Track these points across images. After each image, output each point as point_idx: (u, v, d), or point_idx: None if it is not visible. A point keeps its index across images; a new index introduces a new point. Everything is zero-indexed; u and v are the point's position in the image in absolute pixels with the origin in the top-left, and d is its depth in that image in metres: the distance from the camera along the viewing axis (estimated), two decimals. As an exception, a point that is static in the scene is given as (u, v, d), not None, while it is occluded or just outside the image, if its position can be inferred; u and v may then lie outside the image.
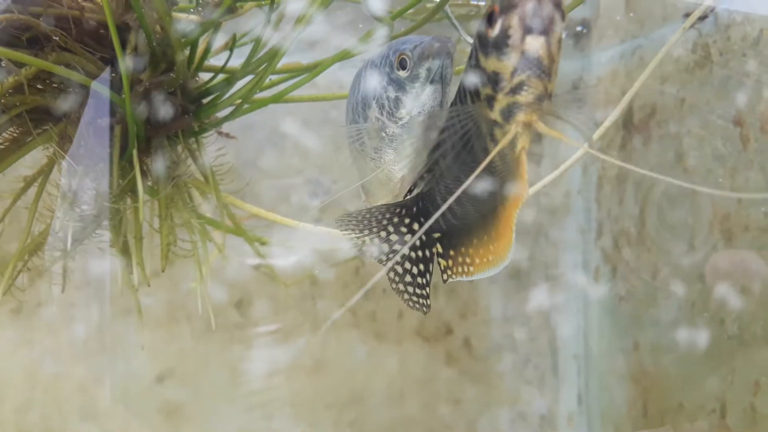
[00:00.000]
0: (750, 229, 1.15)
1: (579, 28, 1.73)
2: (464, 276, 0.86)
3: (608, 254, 1.68)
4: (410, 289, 0.90)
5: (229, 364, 1.87)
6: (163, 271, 1.06)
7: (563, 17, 0.66)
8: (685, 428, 1.27)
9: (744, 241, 1.17)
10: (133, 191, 1.01)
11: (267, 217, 1.16)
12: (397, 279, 0.87)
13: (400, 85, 0.83)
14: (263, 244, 1.17)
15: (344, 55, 1.06)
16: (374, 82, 0.88)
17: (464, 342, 1.91)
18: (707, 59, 1.25)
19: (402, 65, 0.83)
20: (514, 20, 0.65)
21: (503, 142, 0.72)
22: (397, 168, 0.91)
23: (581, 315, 1.85)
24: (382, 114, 0.87)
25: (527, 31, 0.65)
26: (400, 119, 0.86)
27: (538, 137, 2.01)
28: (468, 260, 0.83)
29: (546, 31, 0.65)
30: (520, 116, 0.69)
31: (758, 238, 1.13)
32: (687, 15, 1.27)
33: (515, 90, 0.67)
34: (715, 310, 1.25)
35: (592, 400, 1.79)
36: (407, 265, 0.89)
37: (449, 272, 0.85)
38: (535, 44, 0.65)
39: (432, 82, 0.83)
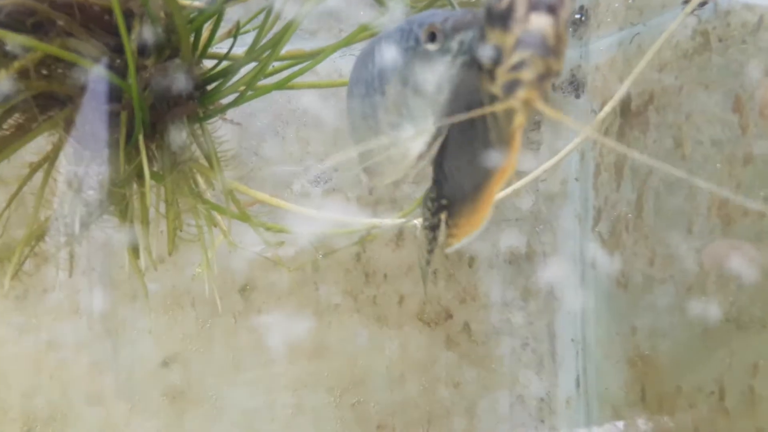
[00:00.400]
0: (749, 214, 1.17)
1: (577, 16, 1.74)
2: (450, 246, 0.87)
3: (605, 240, 1.70)
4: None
5: (233, 348, 1.90)
6: (170, 255, 1.08)
7: None
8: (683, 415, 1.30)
9: (742, 227, 1.18)
10: (140, 176, 1.02)
11: (271, 202, 1.17)
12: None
13: (428, 59, 0.81)
14: (268, 229, 1.18)
15: (346, 42, 1.07)
16: (394, 56, 0.86)
17: (464, 326, 1.93)
18: (706, 46, 1.26)
19: (431, 38, 0.81)
20: None
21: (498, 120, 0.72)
22: (416, 144, 0.89)
23: (579, 300, 1.87)
24: (405, 89, 0.85)
25: (533, 7, 0.63)
26: (427, 93, 0.84)
27: (536, 125, 2.02)
28: (454, 230, 0.84)
29: (553, 9, 0.63)
30: (520, 93, 0.68)
31: (757, 223, 1.15)
32: (686, 2, 1.28)
33: (516, 67, 0.66)
34: (712, 294, 1.27)
35: (590, 384, 1.82)
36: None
37: (447, 240, 0.87)
38: (540, 22, 0.63)
39: (463, 54, 0.79)
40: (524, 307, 1.92)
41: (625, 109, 1.57)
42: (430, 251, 0.93)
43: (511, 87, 0.67)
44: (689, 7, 1.17)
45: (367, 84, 0.88)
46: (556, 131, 1.90)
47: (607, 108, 1.25)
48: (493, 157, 0.74)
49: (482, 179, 0.78)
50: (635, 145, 1.53)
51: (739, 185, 1.19)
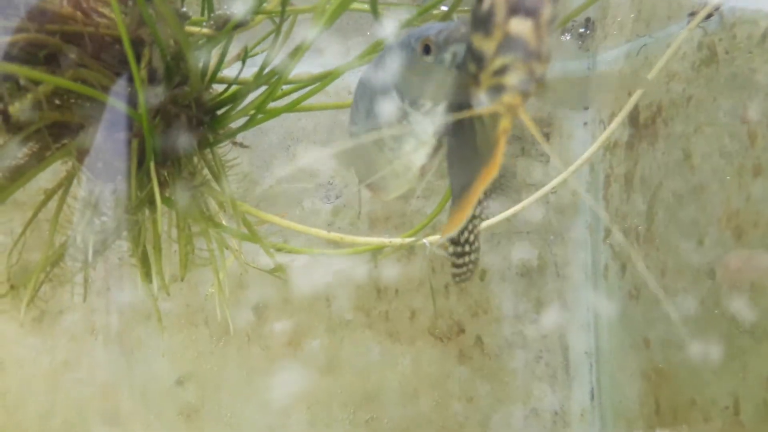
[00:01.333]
0: (759, 226, 1.16)
1: (582, 30, 1.74)
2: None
3: (617, 252, 1.69)
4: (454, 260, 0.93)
5: (247, 365, 1.91)
6: (182, 280, 1.09)
7: None
8: (700, 427, 1.29)
9: (754, 238, 1.18)
10: (152, 202, 1.03)
11: (281, 224, 1.18)
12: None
13: (425, 71, 0.81)
14: (279, 250, 1.19)
15: (353, 64, 1.08)
16: (394, 69, 0.87)
17: (476, 340, 1.93)
18: (713, 57, 1.26)
19: (426, 51, 0.81)
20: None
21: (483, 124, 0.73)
22: (418, 157, 0.89)
23: (591, 312, 1.86)
24: (404, 101, 0.86)
25: (512, 11, 0.62)
26: (424, 106, 0.85)
27: (546, 137, 2.02)
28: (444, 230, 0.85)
29: (533, 12, 0.62)
30: (504, 98, 0.67)
31: (767, 236, 1.14)
32: (692, 14, 1.28)
33: (499, 72, 0.65)
34: (725, 306, 1.26)
35: (604, 396, 1.81)
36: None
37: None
38: (519, 26, 0.62)
39: (458, 67, 0.79)
40: (537, 319, 1.92)
41: (633, 120, 1.57)
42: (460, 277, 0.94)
43: (495, 92, 0.67)
44: (694, 23, 1.17)
45: (370, 99, 0.90)
46: (566, 143, 1.90)
47: (614, 124, 1.25)
48: (481, 161, 0.75)
49: (470, 181, 0.78)
50: (644, 156, 1.53)
51: (749, 197, 1.18)
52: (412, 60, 0.81)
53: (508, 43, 0.63)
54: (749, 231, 1.18)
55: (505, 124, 0.67)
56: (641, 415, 1.56)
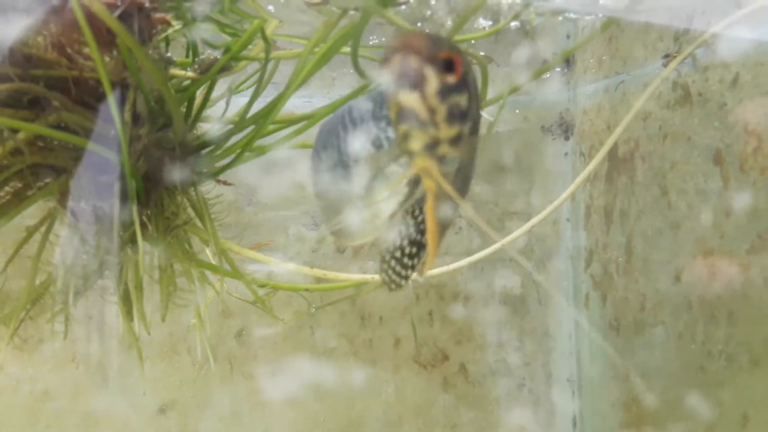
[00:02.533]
0: (732, 266, 1.19)
1: (557, 69, 1.78)
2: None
3: (598, 281, 1.72)
4: (394, 264, 0.93)
5: (230, 394, 1.90)
6: (163, 321, 1.09)
7: (442, 66, 0.68)
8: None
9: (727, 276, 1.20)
10: (134, 242, 1.04)
11: (264, 260, 1.19)
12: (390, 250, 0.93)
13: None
14: (262, 286, 1.20)
15: (338, 105, 1.10)
16: (367, 126, 0.90)
17: (460, 368, 1.94)
18: (687, 98, 1.30)
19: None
20: (388, 76, 0.67)
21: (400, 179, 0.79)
22: (388, 204, 0.92)
23: (574, 340, 1.88)
24: (378, 152, 0.89)
25: (398, 86, 0.67)
26: (395, 154, 0.87)
27: (529, 168, 2.04)
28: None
29: (416, 87, 0.66)
30: (415, 161, 0.72)
31: (740, 275, 1.17)
32: (666, 56, 1.32)
33: (403, 138, 0.70)
34: (701, 342, 1.29)
35: (587, 424, 1.82)
36: (405, 243, 0.94)
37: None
38: (407, 99, 0.67)
39: None
40: (520, 347, 1.93)
41: (612, 154, 1.60)
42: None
43: (408, 156, 0.72)
44: (671, 66, 1.20)
45: (337, 149, 0.92)
46: (547, 173, 1.93)
47: (595, 161, 1.28)
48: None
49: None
50: (624, 190, 1.56)
51: (723, 236, 1.21)
52: (386, 116, 0.84)
53: (401, 113, 0.69)
54: (723, 269, 1.21)
55: (427, 186, 0.73)
56: (622, 445, 1.57)
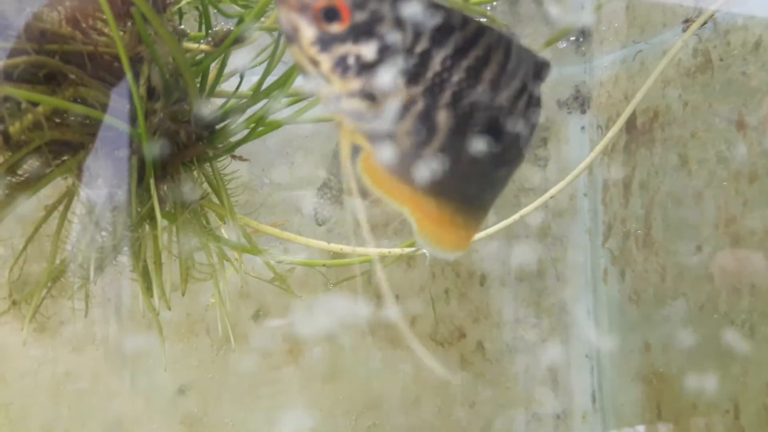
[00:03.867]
0: (756, 232, 1.17)
1: (572, 38, 1.75)
2: None
3: (616, 256, 1.70)
4: None
5: (248, 374, 1.91)
6: (183, 295, 1.09)
7: (320, 15, 0.66)
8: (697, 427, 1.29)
9: (750, 245, 1.18)
10: (152, 218, 1.04)
11: (281, 236, 1.19)
12: None
13: None
14: (279, 262, 1.20)
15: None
16: None
17: (477, 345, 1.93)
18: (708, 64, 1.27)
19: None
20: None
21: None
22: None
23: (592, 315, 1.87)
24: None
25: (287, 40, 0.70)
26: None
27: (543, 142, 2.02)
28: None
29: (292, 39, 0.67)
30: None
31: (764, 242, 1.15)
32: (686, 21, 1.29)
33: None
34: (724, 311, 1.27)
35: (606, 400, 1.82)
36: None
37: None
38: (292, 52, 0.69)
39: None
40: (537, 324, 1.92)
41: (630, 126, 1.58)
42: None
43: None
44: (691, 30, 1.18)
45: None
46: (562, 146, 1.91)
47: (613, 131, 1.26)
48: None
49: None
50: (642, 161, 1.54)
51: (746, 203, 1.19)
52: None
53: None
54: (746, 237, 1.19)
55: (342, 139, 0.72)
56: (643, 419, 1.56)
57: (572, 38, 1.74)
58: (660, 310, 1.49)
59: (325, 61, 0.67)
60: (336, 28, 0.66)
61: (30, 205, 1.16)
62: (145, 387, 1.90)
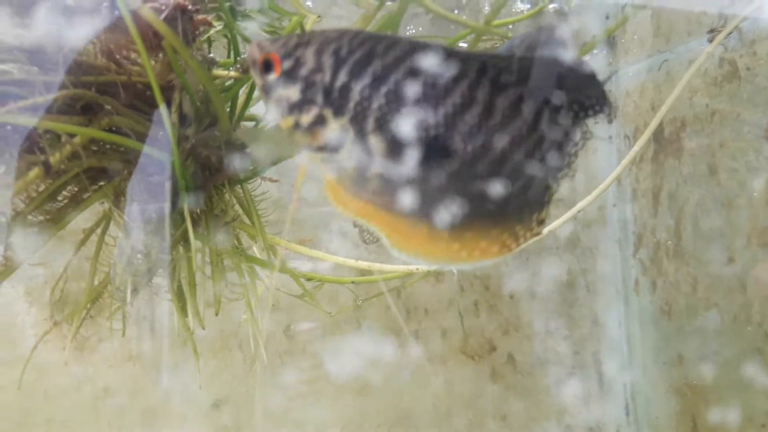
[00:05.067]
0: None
1: (594, 52, 1.75)
2: None
3: (647, 267, 1.68)
4: None
5: (280, 388, 1.94)
6: (216, 315, 1.12)
7: (262, 68, 0.78)
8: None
9: (783, 255, 1.17)
10: (186, 240, 1.07)
11: (311, 254, 1.21)
12: None
13: None
14: (309, 279, 1.22)
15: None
16: None
17: (508, 358, 1.93)
18: (735, 73, 1.26)
19: None
20: None
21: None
22: None
23: (624, 327, 1.85)
24: None
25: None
26: None
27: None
28: None
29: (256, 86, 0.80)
30: None
31: (797, 252, 1.13)
32: (711, 31, 1.28)
33: None
34: (758, 323, 1.25)
35: (640, 412, 1.79)
36: None
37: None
38: None
39: None
40: (569, 336, 1.91)
41: (658, 135, 1.56)
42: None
43: None
44: (717, 40, 1.17)
45: None
46: (589, 157, 1.90)
47: (640, 142, 1.26)
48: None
49: None
50: (671, 172, 1.52)
51: (779, 213, 1.17)
52: None
53: None
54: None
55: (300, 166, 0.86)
56: (678, 431, 1.54)
57: (595, 51, 1.74)
58: (693, 322, 1.47)
59: (271, 104, 0.79)
60: (272, 77, 0.78)
61: (68, 229, 1.21)
62: (181, 402, 1.94)
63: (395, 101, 0.77)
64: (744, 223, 1.26)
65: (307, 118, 0.78)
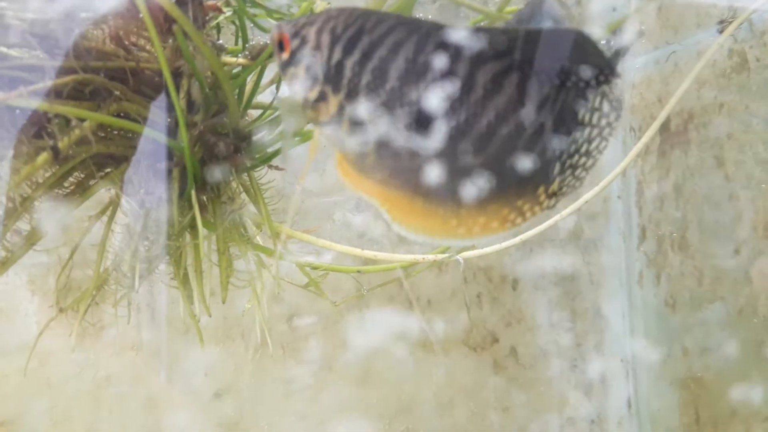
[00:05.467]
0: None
1: (602, 41, 1.74)
2: None
3: (651, 259, 1.68)
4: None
5: (283, 378, 1.94)
6: (223, 303, 1.12)
7: (278, 47, 0.82)
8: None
9: (790, 247, 1.17)
10: (193, 227, 1.07)
11: (317, 243, 1.21)
12: None
13: None
14: (314, 269, 1.22)
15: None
16: None
17: (511, 350, 1.93)
18: (744, 65, 1.25)
19: None
20: None
21: None
22: None
23: (627, 319, 1.85)
24: None
25: None
26: None
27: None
28: None
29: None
30: None
31: (805, 245, 1.13)
32: (721, 22, 1.28)
33: None
34: (765, 315, 1.25)
35: (641, 405, 1.80)
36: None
37: None
38: None
39: None
40: (572, 328, 1.91)
41: (664, 128, 1.56)
42: None
43: None
44: (728, 31, 1.16)
45: None
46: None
47: (647, 135, 1.25)
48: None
49: None
50: (677, 164, 1.52)
51: (787, 206, 1.17)
52: None
53: None
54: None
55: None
56: (681, 424, 1.55)
57: (602, 41, 1.73)
58: (697, 314, 1.47)
59: (286, 83, 0.83)
60: (284, 55, 0.82)
61: (75, 216, 1.20)
62: (183, 391, 1.94)
63: (381, 77, 0.78)
64: (750, 216, 1.26)
65: (312, 95, 0.81)
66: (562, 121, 0.79)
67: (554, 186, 0.81)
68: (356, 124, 0.80)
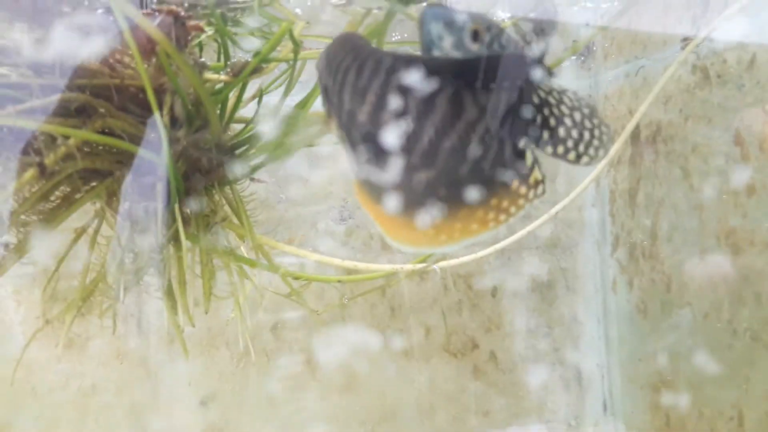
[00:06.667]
0: (755, 244, 1.20)
1: (573, 57, 1.80)
2: None
3: (624, 266, 1.74)
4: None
5: (267, 386, 1.97)
6: (206, 313, 1.15)
7: None
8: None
9: (750, 255, 1.22)
10: (176, 240, 1.10)
11: (298, 253, 1.25)
12: None
13: None
14: (296, 278, 1.26)
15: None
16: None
17: (490, 355, 1.97)
18: (706, 81, 1.31)
19: (475, 38, 0.82)
20: None
21: None
22: None
23: (602, 325, 1.91)
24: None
25: None
26: None
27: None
28: None
29: None
30: None
31: (763, 253, 1.19)
32: (685, 39, 1.34)
33: None
34: (728, 320, 1.31)
35: (617, 408, 1.85)
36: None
37: None
38: None
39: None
40: (549, 333, 1.96)
41: (635, 138, 1.62)
42: None
43: None
44: (689, 48, 1.22)
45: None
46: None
47: (615, 147, 1.31)
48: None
49: None
50: (647, 174, 1.58)
51: (745, 215, 1.23)
52: (461, 47, 0.82)
53: None
54: (746, 248, 1.23)
55: None
56: (653, 426, 1.60)
57: (572, 57, 1.79)
58: (667, 320, 1.53)
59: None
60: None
61: (61, 229, 1.23)
62: (169, 399, 1.96)
63: (339, 101, 0.83)
64: (714, 225, 1.31)
65: (326, 112, 0.87)
66: (515, 115, 0.81)
67: (536, 175, 0.83)
68: (351, 150, 0.84)
